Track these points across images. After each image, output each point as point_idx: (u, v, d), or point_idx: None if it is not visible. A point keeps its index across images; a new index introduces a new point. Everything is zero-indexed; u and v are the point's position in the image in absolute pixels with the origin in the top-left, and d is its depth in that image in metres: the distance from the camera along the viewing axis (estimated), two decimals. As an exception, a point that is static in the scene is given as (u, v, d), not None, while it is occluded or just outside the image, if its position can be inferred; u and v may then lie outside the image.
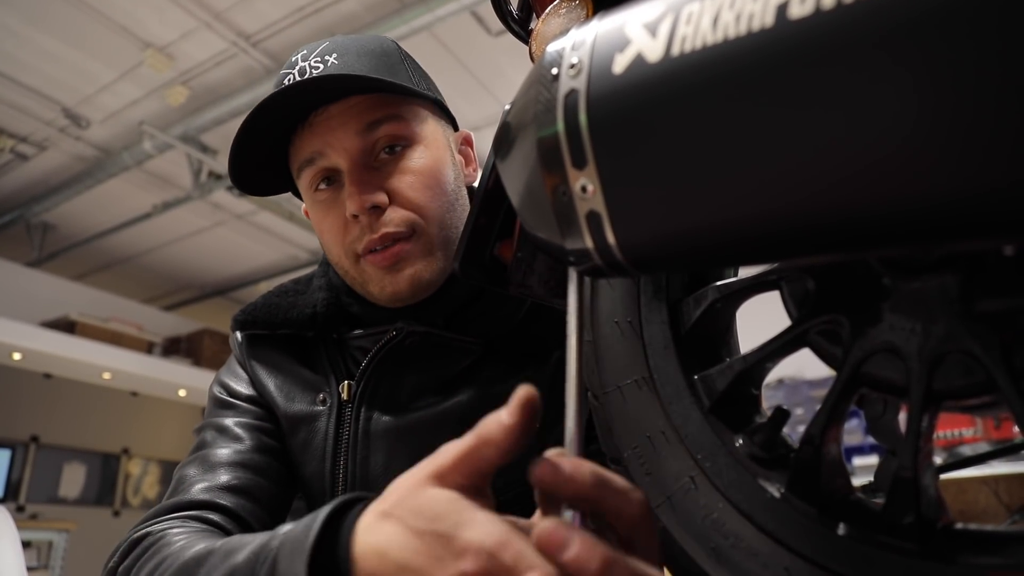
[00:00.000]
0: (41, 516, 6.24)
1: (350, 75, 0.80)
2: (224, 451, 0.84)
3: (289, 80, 0.82)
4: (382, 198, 0.80)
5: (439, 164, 0.85)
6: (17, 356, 5.93)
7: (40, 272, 6.56)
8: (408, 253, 0.82)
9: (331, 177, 0.83)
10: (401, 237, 0.81)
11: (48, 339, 5.78)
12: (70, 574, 5.80)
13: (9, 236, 6.32)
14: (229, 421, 0.88)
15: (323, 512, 0.48)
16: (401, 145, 0.83)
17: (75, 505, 6.90)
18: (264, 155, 0.86)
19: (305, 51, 0.85)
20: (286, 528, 0.52)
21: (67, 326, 6.00)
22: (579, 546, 0.36)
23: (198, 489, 0.79)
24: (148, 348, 6.67)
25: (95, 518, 6.96)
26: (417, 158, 0.83)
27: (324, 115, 0.81)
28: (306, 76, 0.81)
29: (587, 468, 0.39)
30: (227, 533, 0.75)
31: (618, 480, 0.41)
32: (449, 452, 0.42)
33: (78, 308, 6.21)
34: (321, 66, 0.81)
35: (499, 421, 0.40)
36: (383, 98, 0.82)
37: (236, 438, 0.86)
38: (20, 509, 6.39)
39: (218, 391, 0.94)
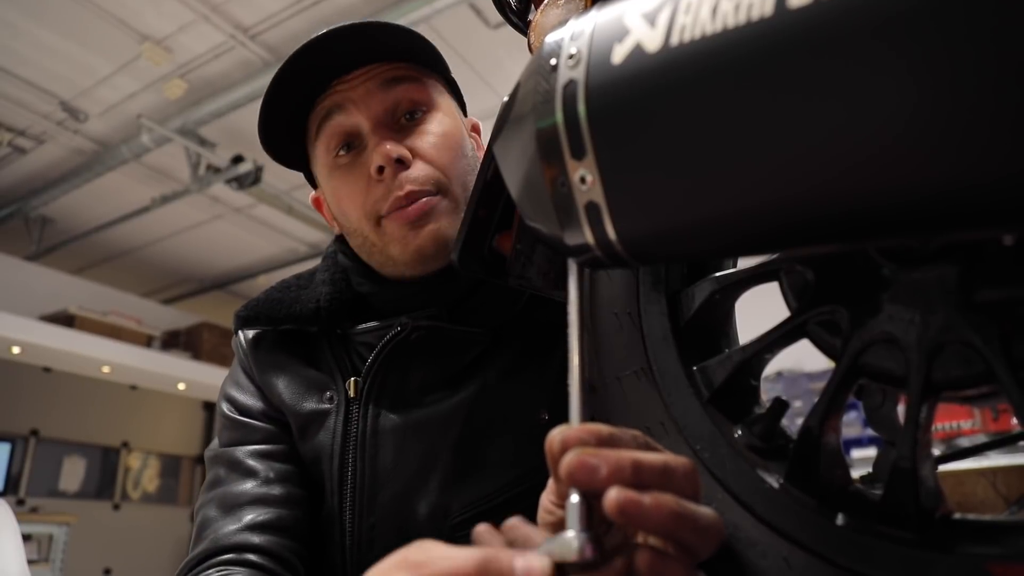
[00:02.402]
0: (41, 509, 6.24)
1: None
2: (242, 487, 0.83)
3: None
4: (407, 152, 0.81)
5: (458, 132, 0.87)
6: (16, 350, 5.92)
7: (39, 266, 6.55)
8: (434, 208, 0.81)
9: (351, 144, 0.84)
10: (427, 194, 0.81)
11: (47, 333, 5.77)
12: (70, 567, 5.81)
13: (8, 230, 6.31)
14: (241, 453, 0.87)
15: None
16: (421, 111, 0.84)
17: (75, 499, 6.91)
18: (284, 127, 0.87)
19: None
20: None
21: (66, 320, 5.99)
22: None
23: (227, 533, 0.79)
24: (147, 342, 6.67)
25: (95, 511, 6.97)
26: (437, 122, 0.85)
27: (346, 81, 0.82)
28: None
29: (669, 501, 0.38)
30: (266, 571, 0.76)
31: (703, 513, 0.39)
32: (435, 568, 0.36)
33: (77, 302, 6.21)
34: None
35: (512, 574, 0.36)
36: (403, 65, 0.84)
37: (250, 471, 0.85)
38: (20, 503, 6.39)
39: (227, 408, 0.92)
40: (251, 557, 0.76)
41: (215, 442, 0.92)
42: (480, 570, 0.35)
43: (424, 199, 0.81)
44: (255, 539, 0.78)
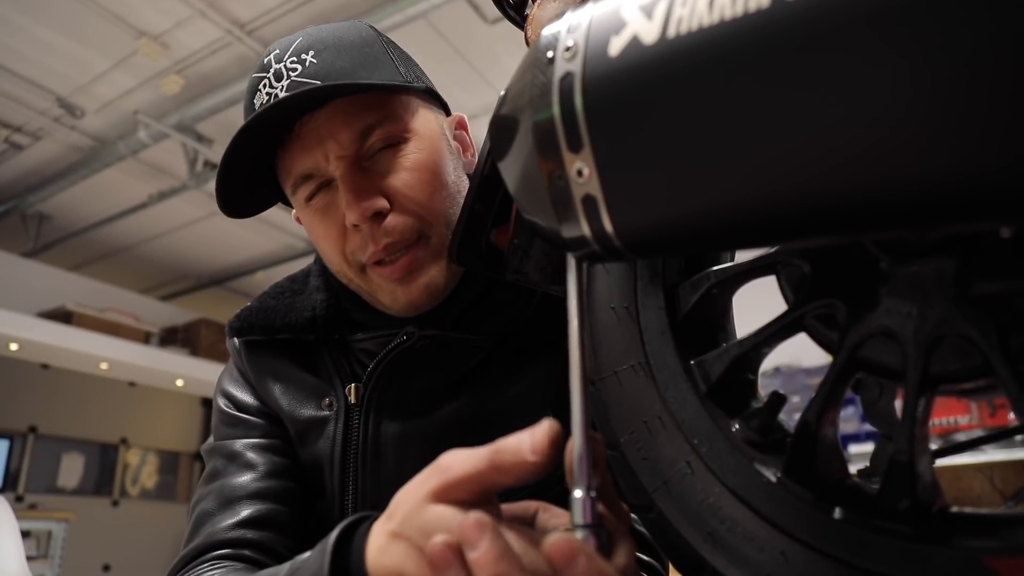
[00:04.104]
0: (40, 506, 6.24)
1: (334, 84, 0.73)
2: (240, 480, 0.82)
3: (264, 86, 0.76)
4: (382, 203, 0.75)
5: (436, 156, 0.80)
6: (14, 347, 5.92)
7: (36, 263, 6.54)
8: (420, 260, 0.78)
9: (323, 185, 0.78)
10: (409, 244, 0.77)
11: (45, 330, 5.77)
12: (69, 563, 5.81)
13: (5, 226, 6.30)
14: (239, 445, 0.86)
15: (331, 539, 0.50)
16: (395, 142, 0.78)
17: (74, 495, 6.91)
18: (249, 173, 0.81)
19: (278, 50, 0.77)
20: (300, 560, 0.54)
21: (64, 316, 5.99)
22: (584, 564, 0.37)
23: (223, 528, 0.78)
24: (145, 338, 6.67)
25: (94, 508, 6.97)
26: (413, 153, 0.78)
27: (311, 124, 0.76)
28: (283, 80, 0.75)
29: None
30: (260, 566, 0.74)
31: None
32: (457, 469, 0.42)
33: (75, 298, 6.20)
34: (299, 67, 0.75)
35: (521, 453, 0.40)
36: (370, 97, 0.77)
37: (249, 464, 0.84)
38: (19, 499, 6.39)
39: (224, 404, 0.91)
40: (247, 552, 0.76)
41: (212, 436, 0.91)
42: (493, 457, 0.41)
43: (408, 254, 0.77)
44: (251, 535, 0.77)
